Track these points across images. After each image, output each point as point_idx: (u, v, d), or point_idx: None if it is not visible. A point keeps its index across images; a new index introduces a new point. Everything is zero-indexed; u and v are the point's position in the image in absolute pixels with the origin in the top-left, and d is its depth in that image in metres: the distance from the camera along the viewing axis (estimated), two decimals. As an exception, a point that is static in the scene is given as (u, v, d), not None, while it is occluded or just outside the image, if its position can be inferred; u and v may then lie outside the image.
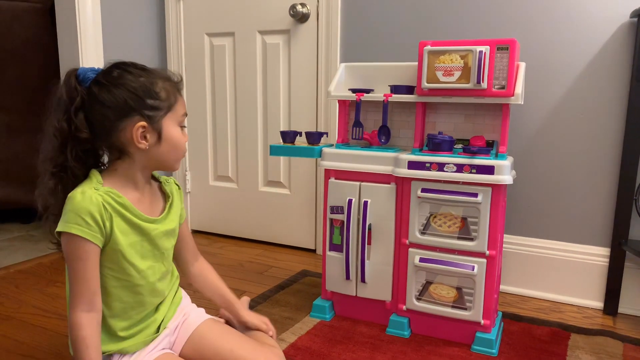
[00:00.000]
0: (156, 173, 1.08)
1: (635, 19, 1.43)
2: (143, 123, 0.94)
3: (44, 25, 2.24)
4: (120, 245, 0.95)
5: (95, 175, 0.96)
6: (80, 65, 1.87)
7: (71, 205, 0.91)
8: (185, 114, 1.02)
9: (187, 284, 1.18)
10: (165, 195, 1.08)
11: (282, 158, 2.11)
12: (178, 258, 1.16)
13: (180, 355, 1.10)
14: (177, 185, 1.13)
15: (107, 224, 0.92)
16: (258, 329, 1.20)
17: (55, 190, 0.95)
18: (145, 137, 0.95)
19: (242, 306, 1.23)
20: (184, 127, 1.03)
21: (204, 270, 1.20)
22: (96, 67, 0.97)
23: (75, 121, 0.93)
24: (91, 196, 0.91)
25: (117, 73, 0.95)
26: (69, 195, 0.92)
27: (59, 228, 0.92)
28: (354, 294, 1.41)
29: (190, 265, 1.18)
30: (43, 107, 0.99)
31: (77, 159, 0.95)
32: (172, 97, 0.98)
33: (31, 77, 2.28)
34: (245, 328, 1.27)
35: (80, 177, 0.96)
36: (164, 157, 0.99)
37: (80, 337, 0.91)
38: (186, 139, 1.03)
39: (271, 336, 1.20)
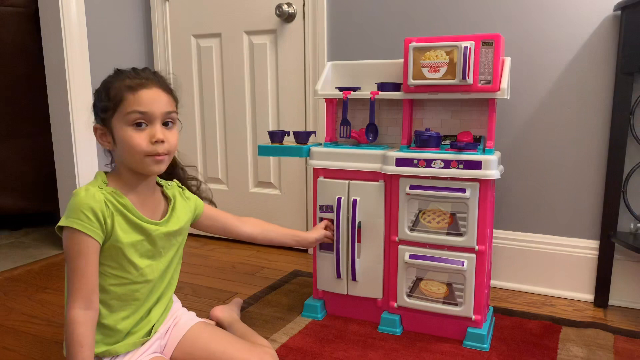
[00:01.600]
0: (158, 178, 1.10)
1: (619, 12, 1.44)
2: (97, 125, 1.00)
3: (28, 30, 2.21)
4: (120, 242, 0.97)
5: (100, 175, 1.00)
6: (66, 69, 1.90)
7: (74, 202, 0.94)
8: (140, 112, 0.94)
9: (178, 286, 1.18)
10: (167, 199, 1.10)
11: (271, 158, 2.10)
12: (229, 232, 1.26)
13: (171, 359, 1.10)
14: (180, 187, 1.14)
15: (109, 221, 0.95)
16: (326, 236, 1.38)
17: None
18: (107, 139, 1.00)
19: (305, 232, 1.38)
20: (140, 124, 0.94)
21: (256, 226, 1.30)
22: None
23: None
24: (94, 194, 0.94)
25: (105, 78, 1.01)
26: (73, 192, 0.95)
27: (60, 223, 0.94)
28: (345, 293, 1.41)
29: (242, 230, 1.27)
30: (30, 113, 1.05)
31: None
32: (118, 97, 0.95)
33: (16, 82, 2.26)
34: (236, 330, 1.27)
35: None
36: (125, 159, 0.98)
37: (75, 334, 0.91)
38: (151, 139, 0.95)
39: (329, 237, 1.39)
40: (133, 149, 0.95)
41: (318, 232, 1.37)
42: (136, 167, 0.98)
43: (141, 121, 0.95)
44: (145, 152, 0.95)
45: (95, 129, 1.00)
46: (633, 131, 1.45)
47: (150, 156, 0.96)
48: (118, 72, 1.00)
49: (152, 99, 0.96)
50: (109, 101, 0.96)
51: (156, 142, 0.95)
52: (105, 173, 1.02)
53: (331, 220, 1.39)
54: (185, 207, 1.12)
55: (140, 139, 0.95)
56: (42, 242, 2.24)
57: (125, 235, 0.97)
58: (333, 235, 1.39)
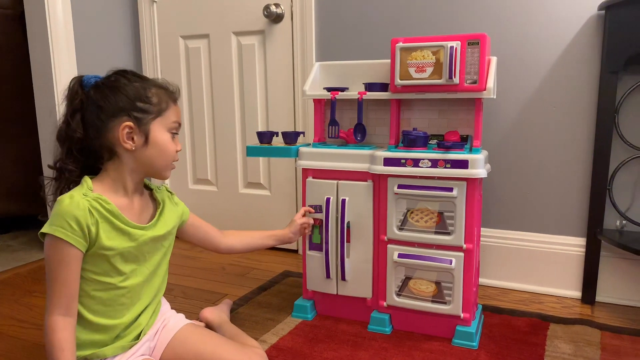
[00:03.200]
0: (147, 181, 1.10)
1: (603, 12, 1.45)
2: (129, 123, 0.98)
3: (14, 31, 2.20)
4: (105, 249, 0.96)
5: (86, 181, 0.99)
6: (53, 71, 1.89)
7: (58, 209, 0.93)
8: (178, 123, 1.05)
9: (167, 288, 1.17)
10: (156, 203, 1.10)
11: (261, 159, 2.10)
12: (209, 244, 1.26)
13: (160, 361, 1.09)
14: (169, 192, 1.15)
15: (93, 229, 0.94)
16: (305, 225, 1.37)
17: (53, 184, 1.03)
18: (132, 139, 0.99)
19: (282, 230, 1.36)
20: (175, 134, 1.05)
21: (234, 236, 1.29)
22: (100, 75, 1.03)
23: (72, 122, 0.99)
24: (78, 202, 0.93)
25: (114, 77, 1.01)
26: (58, 199, 0.95)
27: (43, 229, 0.93)
28: (335, 293, 1.41)
29: (221, 242, 1.27)
30: (16, 114, 1.05)
31: (70, 156, 1.01)
32: (164, 104, 1.02)
33: (2, 84, 2.24)
34: (225, 331, 1.27)
35: (75, 175, 1.01)
36: (150, 161, 1.01)
37: (55, 339, 0.92)
38: (177, 148, 1.05)
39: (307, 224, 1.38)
40: (169, 154, 1.03)
41: (294, 225, 1.37)
42: (157, 171, 1.04)
43: (176, 132, 1.05)
44: (173, 159, 1.05)
45: (124, 126, 0.97)
46: (618, 129, 1.47)
47: (173, 162, 1.05)
48: (142, 76, 1.03)
49: (181, 113, 1.08)
50: (151, 105, 1.00)
51: (177, 151, 1.05)
52: (91, 178, 1.00)
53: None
54: (174, 212, 1.12)
55: (173, 146, 1.04)
56: (30, 246, 2.22)
57: (110, 241, 0.97)
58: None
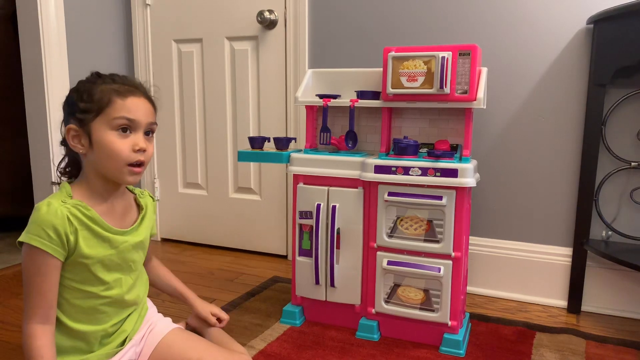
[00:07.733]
0: (130, 186, 1.08)
1: (592, 25, 1.48)
2: (72, 126, 0.95)
3: (5, 32, 2.18)
4: (85, 257, 0.95)
5: (65, 187, 0.97)
6: (44, 73, 1.87)
7: (36, 217, 0.91)
8: (126, 119, 0.94)
9: (155, 292, 1.16)
10: (139, 208, 1.08)
11: (252, 164, 2.10)
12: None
13: (146, 365, 1.08)
14: (151, 197, 1.13)
15: (72, 237, 0.92)
16: (206, 320, 1.28)
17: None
18: (80, 142, 0.96)
19: (194, 297, 1.30)
20: (125, 130, 0.94)
21: (156, 268, 1.26)
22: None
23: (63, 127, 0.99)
24: (56, 209, 0.91)
25: (82, 79, 0.99)
26: (36, 206, 0.92)
27: (21, 238, 0.91)
28: (324, 299, 1.41)
29: (144, 264, 1.17)
30: (4, 115, 1.03)
31: (70, 158, 1.04)
32: (105, 100, 0.93)
33: (-8, 85, 2.23)
34: (212, 336, 1.26)
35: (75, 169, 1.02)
36: (100, 164, 0.96)
37: (34, 347, 0.90)
38: (136, 147, 0.95)
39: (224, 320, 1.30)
40: (115, 154, 0.94)
41: (208, 309, 1.29)
42: (112, 174, 0.96)
43: (127, 127, 0.95)
44: (126, 160, 0.94)
45: (69, 130, 0.95)
46: (605, 141, 1.49)
47: (130, 166, 0.95)
48: (100, 76, 0.98)
49: (139, 107, 0.96)
50: (92, 103, 0.93)
51: (138, 150, 0.95)
52: (70, 183, 0.99)
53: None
54: (152, 220, 1.11)
55: (123, 145, 0.94)
56: (15, 247, 2.18)
57: (90, 249, 0.95)
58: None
